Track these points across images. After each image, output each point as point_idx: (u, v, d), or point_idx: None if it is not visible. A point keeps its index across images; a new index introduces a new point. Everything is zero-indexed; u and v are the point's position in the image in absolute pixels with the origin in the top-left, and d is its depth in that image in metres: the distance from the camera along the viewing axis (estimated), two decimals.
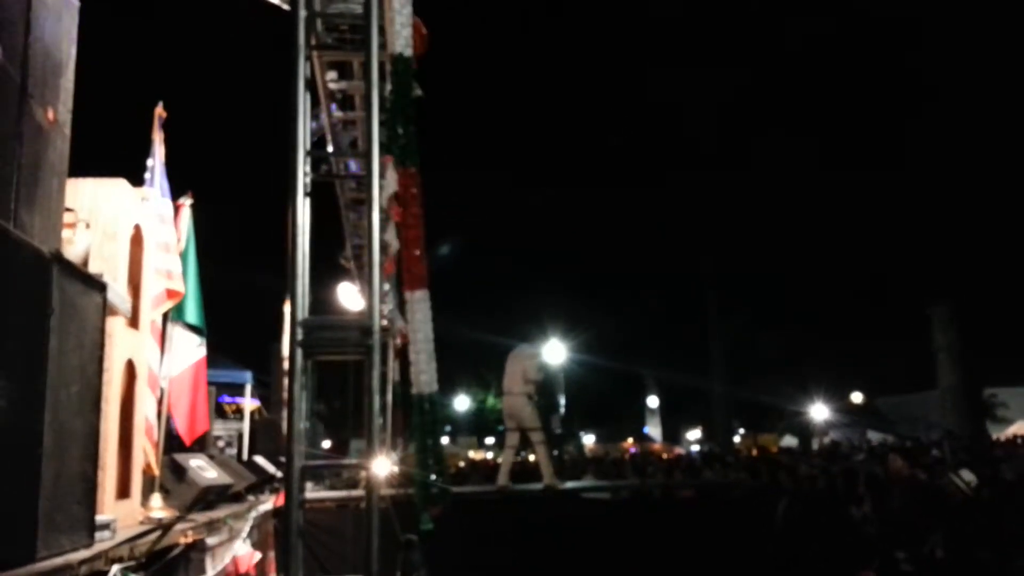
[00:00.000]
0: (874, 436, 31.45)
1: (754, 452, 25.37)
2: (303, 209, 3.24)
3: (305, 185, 3.33)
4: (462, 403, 41.75)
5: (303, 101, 3.30)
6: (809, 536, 8.10)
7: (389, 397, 10.79)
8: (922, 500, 7.69)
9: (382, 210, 7.02)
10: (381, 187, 6.49)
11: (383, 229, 7.82)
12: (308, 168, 3.33)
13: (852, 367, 37.65)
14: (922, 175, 25.55)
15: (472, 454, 34.49)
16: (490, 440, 41.56)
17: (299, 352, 2.98)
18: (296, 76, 3.31)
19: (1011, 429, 29.59)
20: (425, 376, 4.35)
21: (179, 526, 4.33)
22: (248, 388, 12.50)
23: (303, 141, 3.28)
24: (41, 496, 2.94)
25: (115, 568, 3.32)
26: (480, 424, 40.86)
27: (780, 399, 39.76)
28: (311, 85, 5.12)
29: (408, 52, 4.73)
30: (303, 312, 3.07)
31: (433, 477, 4.31)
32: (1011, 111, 26.27)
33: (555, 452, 32.08)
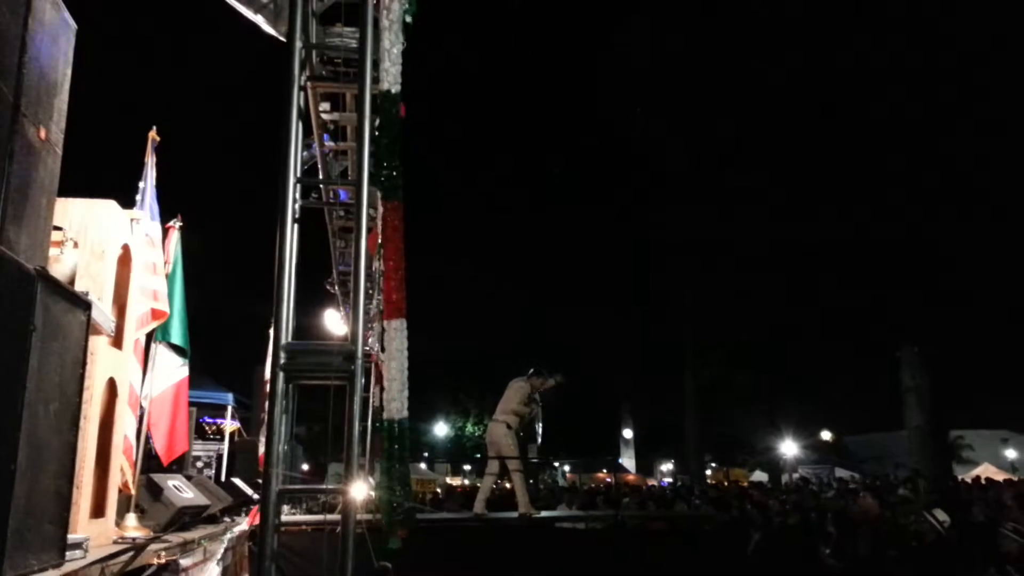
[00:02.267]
0: (842, 473, 31.79)
1: (725, 485, 25.47)
2: (291, 235, 3.30)
3: (294, 211, 3.42)
4: (440, 429, 41.53)
5: (296, 130, 3.39)
6: (778, 572, 8.21)
7: (369, 423, 10.80)
8: (891, 539, 7.83)
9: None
10: (370, 217, 6.61)
11: (369, 258, 7.94)
12: (298, 195, 3.41)
13: (822, 406, 38.21)
14: (896, 219, 26.16)
15: (448, 480, 34.25)
16: (467, 467, 41.36)
17: (281, 376, 3.02)
18: (290, 106, 3.41)
19: (976, 471, 30.04)
20: (396, 403, 4.43)
21: (153, 546, 4.32)
22: (229, 409, 12.46)
23: (294, 169, 3.37)
24: (12, 513, 2.90)
25: None
26: (457, 450, 40.67)
27: (751, 435, 40.13)
28: (305, 115, 5.25)
29: (396, 89, 4.87)
30: (287, 336, 3.12)
31: (399, 501, 4.37)
32: (980, 154, 27.04)
33: (531, 481, 32.03)
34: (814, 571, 8.35)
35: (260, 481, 9.38)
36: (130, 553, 3.61)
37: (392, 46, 4.36)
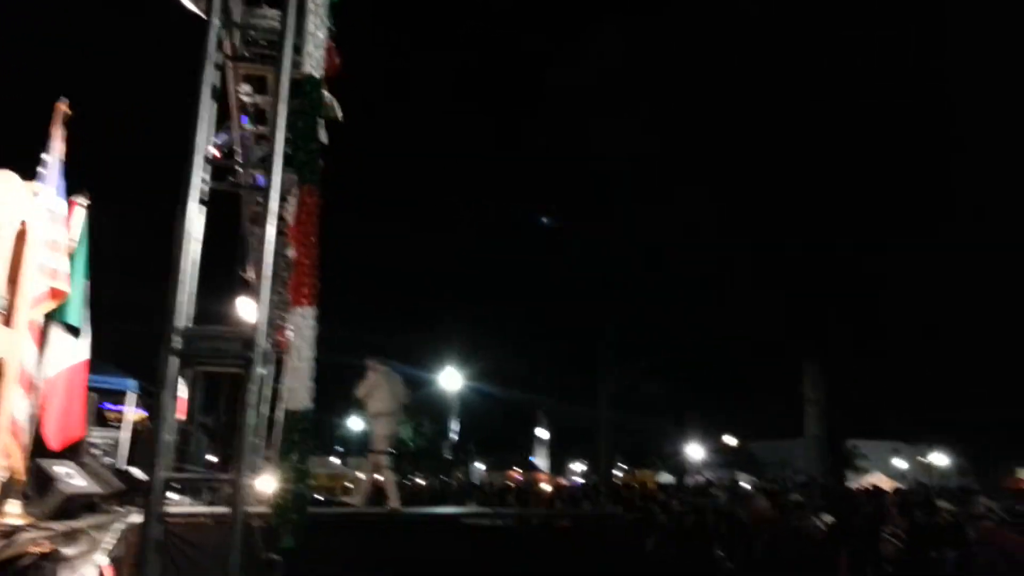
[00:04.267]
0: (744, 478, 33.15)
1: (633, 486, 26.14)
2: (195, 214, 3.22)
3: (202, 192, 3.34)
4: (356, 424, 40.99)
5: (207, 107, 3.31)
6: (673, 571, 8.51)
7: (280, 414, 10.60)
8: (784, 541, 8.21)
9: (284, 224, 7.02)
10: (286, 204, 6.51)
11: (285, 245, 7.80)
12: (208, 176, 3.34)
13: (728, 413, 39.67)
14: (805, 235, 27.37)
15: (361, 475, 33.82)
16: None
17: (173, 360, 2.94)
18: (201, 83, 3.33)
19: (868, 478, 31.83)
20: (300, 392, 4.38)
21: (31, 534, 4.15)
22: (131, 396, 12.02)
23: (202, 147, 3.29)
24: None
25: None
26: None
27: (660, 439, 41.36)
28: (224, 96, 5.13)
29: (318, 74, 4.83)
30: (184, 320, 3.03)
31: (296, 495, 4.32)
32: (875, 170, 28.60)
33: (444, 478, 32.01)
34: (707, 570, 8.70)
35: (129, 471, 9.03)
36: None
37: (317, 29, 4.32)
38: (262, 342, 2.93)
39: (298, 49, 4.60)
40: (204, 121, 3.18)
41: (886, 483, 28.08)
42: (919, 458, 43.08)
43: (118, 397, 12.41)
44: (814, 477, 21.55)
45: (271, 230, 3.16)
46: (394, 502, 7.85)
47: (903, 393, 30.59)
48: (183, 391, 10.72)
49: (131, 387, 12.24)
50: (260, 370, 2.90)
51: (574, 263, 34.37)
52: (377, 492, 8.87)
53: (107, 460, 11.20)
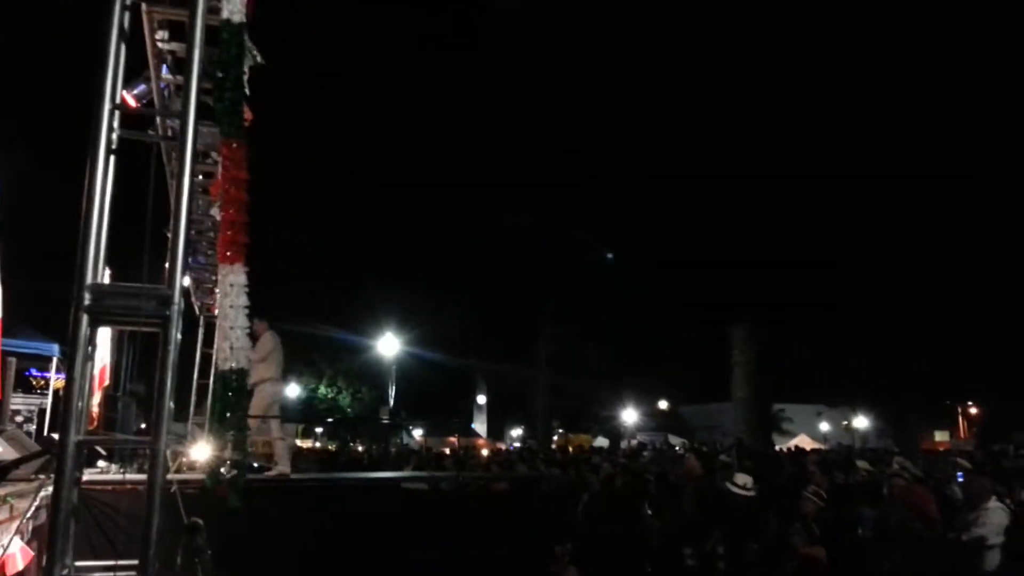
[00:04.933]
0: (675, 440, 34.17)
1: (569, 450, 26.64)
2: (103, 164, 3.03)
3: (110, 141, 3.14)
4: (292, 391, 40.45)
5: (115, 48, 3.09)
6: (604, 531, 8.70)
7: (211, 380, 10.34)
8: (709, 501, 8.46)
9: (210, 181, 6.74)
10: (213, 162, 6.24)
11: (211, 204, 7.51)
12: (115, 124, 3.13)
13: (661, 378, 40.65)
14: (736, 202, 28.02)
15: (299, 442, 33.49)
16: (319, 429, 40.57)
17: (84, 318, 2.78)
18: (111, 23, 3.10)
19: (793, 441, 33.16)
20: (235, 351, 4.25)
21: None
22: (55, 361, 11.55)
23: (110, 92, 3.09)
24: None
25: None
26: (309, 412, 39.77)
27: (596, 404, 42.18)
28: (140, 43, 4.85)
29: (238, 19, 4.59)
30: (94, 276, 2.86)
31: (232, 457, 4.22)
32: (825, 145, 29.42)
33: (382, 444, 31.96)
34: (637, 530, 8.93)
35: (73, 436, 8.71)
36: None
37: None
38: (178, 300, 2.80)
39: None
40: (111, 63, 2.97)
41: (809, 445, 29.32)
42: (843, 422, 45.09)
43: (43, 363, 11.95)
44: (740, 439, 22.31)
45: (186, 182, 3.00)
46: (284, 467, 7.69)
47: (827, 358, 31.79)
48: (106, 357, 10.35)
49: (54, 352, 11.78)
50: (175, 330, 2.77)
51: (512, 230, 34.53)
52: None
53: (30, 427, 10.81)
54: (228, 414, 4.16)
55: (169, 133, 5.90)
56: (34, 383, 12.22)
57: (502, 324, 38.52)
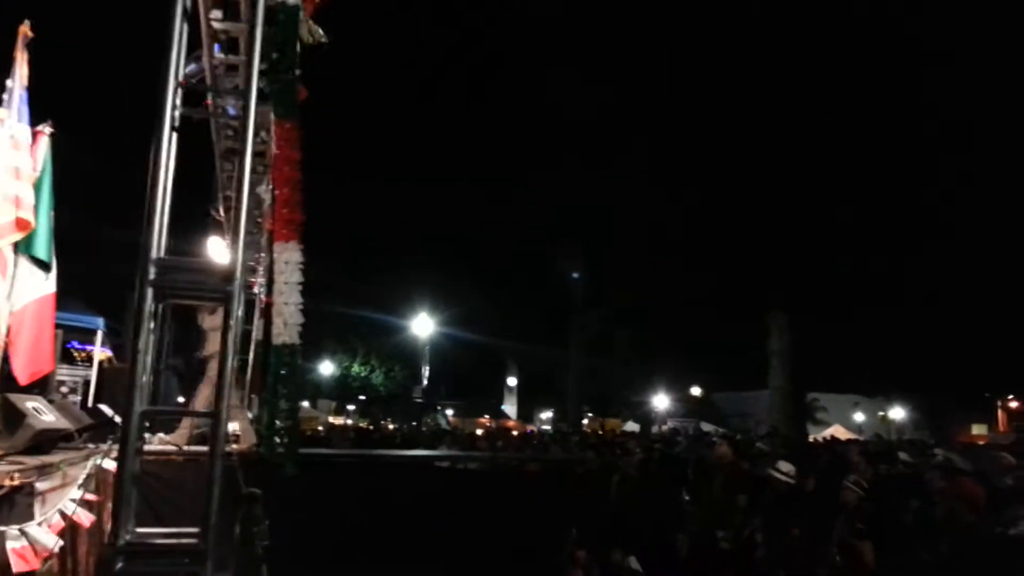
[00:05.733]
0: (707, 427, 33.96)
1: (600, 433, 26.63)
2: (168, 141, 3.09)
3: (173, 119, 3.20)
4: (327, 368, 40.98)
5: (179, 28, 3.15)
6: (639, 512, 8.74)
7: (251, 356, 10.49)
8: (745, 487, 8.44)
9: (267, 164, 6.81)
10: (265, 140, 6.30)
11: (257, 182, 7.59)
12: (179, 102, 3.19)
13: (695, 364, 40.40)
14: (774, 188, 27.55)
15: (331, 419, 34.02)
16: (351, 407, 41.16)
17: (149, 292, 2.84)
18: (175, 3, 3.16)
19: (828, 431, 32.76)
20: (289, 327, 4.32)
21: (5, 468, 4.08)
22: (99, 335, 11.82)
23: (175, 71, 3.15)
24: None
25: None
26: (343, 390, 40.35)
27: (627, 388, 42.07)
28: (194, 23, 4.90)
29: (294, 0, 4.62)
30: (158, 251, 2.93)
31: (283, 430, 4.31)
32: (861, 134, 28.79)
33: (414, 423, 32.26)
34: (671, 514, 8.94)
35: (101, 408, 8.93)
36: None
37: None
38: (240, 275, 2.85)
39: None
40: (175, 43, 3.02)
41: (845, 435, 28.95)
42: (879, 413, 44.43)
43: (86, 335, 12.20)
44: (776, 428, 22.11)
45: (248, 161, 3.05)
46: (244, 444, 7.70)
47: (865, 348, 31.33)
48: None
49: (99, 325, 12.04)
50: (237, 305, 2.83)
51: (545, 211, 34.40)
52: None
53: (75, 399, 11.09)
54: (281, 387, 4.24)
55: (219, 112, 5.97)
56: (75, 355, 12.47)
57: (534, 306, 38.61)
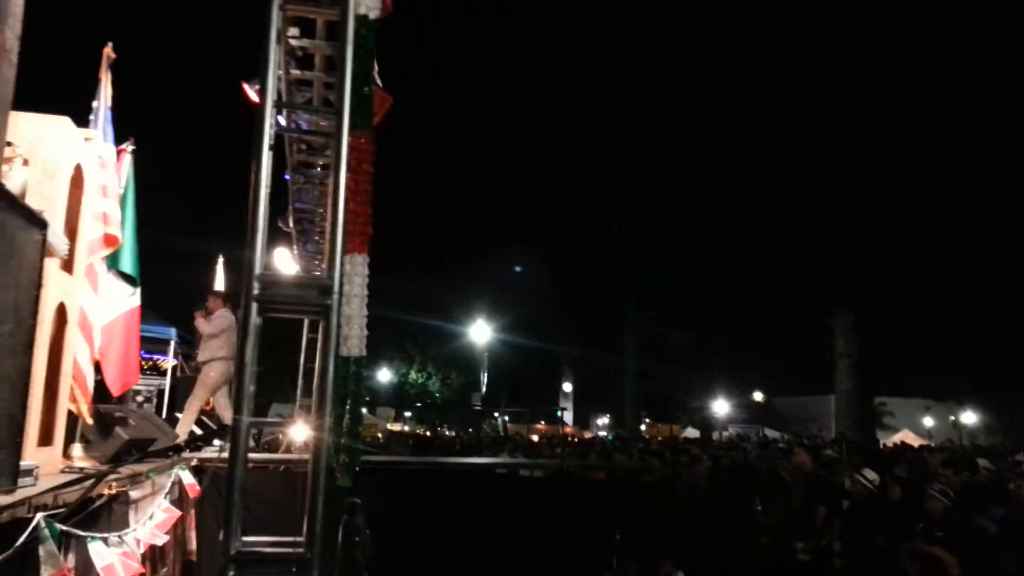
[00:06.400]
0: (770, 433, 33.19)
1: (660, 439, 26.29)
2: (266, 161, 3.17)
3: (269, 137, 3.28)
4: (384, 375, 41.51)
5: (274, 52, 3.23)
6: (711, 524, 8.56)
7: (315, 364, 10.70)
8: (825, 497, 8.20)
9: (326, 172, 6.90)
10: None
11: (322, 195, 7.70)
12: (274, 121, 3.27)
13: (755, 367, 39.49)
14: (837, 187, 26.81)
15: (389, 426, 34.43)
16: (408, 413, 41.59)
17: (254, 307, 2.91)
18: (269, 26, 3.24)
19: (896, 436, 31.69)
20: (354, 341, 4.37)
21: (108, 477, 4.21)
22: (172, 345, 12.18)
23: (271, 93, 3.22)
24: None
25: (39, 516, 3.22)
26: (401, 397, 40.82)
27: (684, 393, 41.39)
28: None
29: (374, 15, 4.71)
30: (259, 267, 2.99)
31: (348, 441, 4.35)
32: (932, 135, 27.84)
33: (471, 429, 32.38)
34: (744, 523, 8.74)
35: (203, 418, 9.12)
36: (90, 481, 3.51)
37: None
38: (338, 289, 2.89)
39: None
40: (271, 66, 3.10)
41: (915, 440, 27.96)
42: (950, 417, 42.76)
43: (157, 345, 12.56)
44: (842, 433, 21.49)
45: (343, 177, 3.09)
46: (181, 431, 7.53)
47: (935, 349, 30.20)
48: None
49: (171, 335, 12.40)
50: (336, 318, 2.87)
51: (598, 211, 34.17)
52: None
53: (148, 407, 11.43)
54: (349, 403, 4.30)
55: (292, 126, 6.11)
56: (144, 364, 12.81)
57: (589, 308, 38.34)
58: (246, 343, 2.86)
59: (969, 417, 41.35)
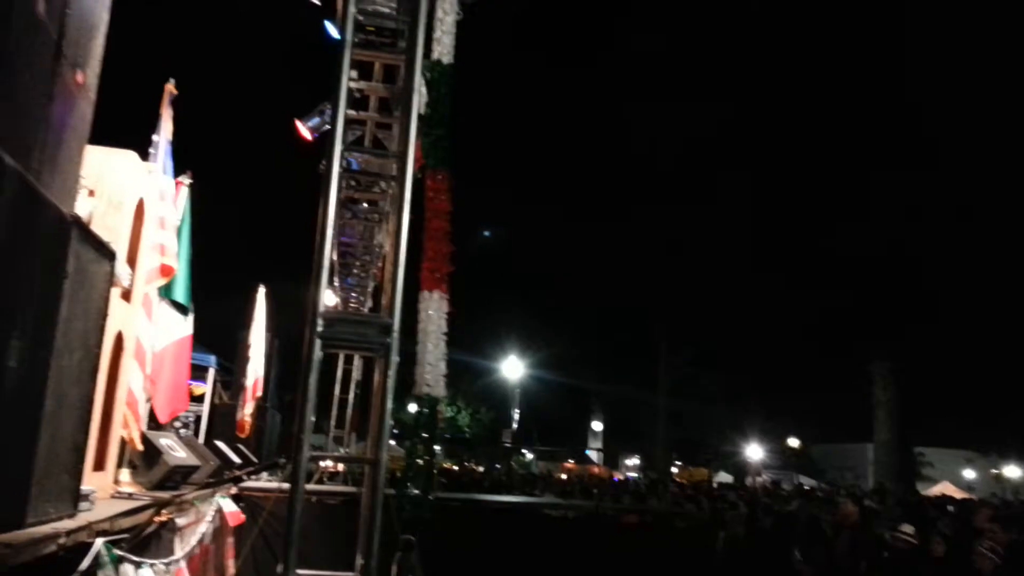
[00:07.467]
0: (805, 481, 32.39)
1: (696, 483, 25.81)
2: (334, 200, 3.26)
3: (336, 179, 3.38)
4: (412, 407, 41.53)
5: (343, 97, 3.34)
6: (750, 572, 8.37)
7: (350, 395, 10.77)
8: (872, 551, 7.98)
9: (382, 213, 7.06)
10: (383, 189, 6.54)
11: (375, 232, 7.87)
12: (343, 164, 3.37)
13: (788, 413, 38.83)
14: (877, 234, 26.56)
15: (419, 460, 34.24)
16: (437, 447, 41.36)
17: (317, 343, 2.98)
18: (341, 72, 3.36)
19: (935, 488, 30.70)
20: (431, 377, 4.42)
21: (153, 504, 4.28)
22: (212, 372, 12.37)
23: (340, 136, 3.33)
24: (36, 462, 2.90)
25: (99, 541, 3.29)
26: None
27: (714, 437, 40.70)
28: (314, 79, 5.20)
29: (447, 59, 4.84)
30: (323, 305, 3.07)
31: (426, 476, 4.38)
32: (969, 177, 27.50)
33: (497, 465, 32.12)
34: (783, 573, 8.52)
35: (240, 446, 9.23)
36: (152, 509, 3.58)
37: (446, 15, 4.32)
38: (397, 327, 2.95)
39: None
40: (341, 111, 3.22)
41: (955, 493, 27.07)
42: (991, 470, 41.38)
43: (196, 372, 12.72)
44: (882, 483, 20.90)
45: (406, 217, 3.18)
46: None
47: (975, 400, 29.44)
48: (259, 369, 10.98)
49: (211, 362, 12.55)
50: (395, 356, 2.92)
51: (633, 253, 34.15)
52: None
53: (186, 433, 11.56)
54: (424, 439, 4.34)
55: (344, 165, 6.28)
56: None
57: (620, 348, 38.16)
58: (309, 379, 2.92)
59: (1013, 471, 39.97)
